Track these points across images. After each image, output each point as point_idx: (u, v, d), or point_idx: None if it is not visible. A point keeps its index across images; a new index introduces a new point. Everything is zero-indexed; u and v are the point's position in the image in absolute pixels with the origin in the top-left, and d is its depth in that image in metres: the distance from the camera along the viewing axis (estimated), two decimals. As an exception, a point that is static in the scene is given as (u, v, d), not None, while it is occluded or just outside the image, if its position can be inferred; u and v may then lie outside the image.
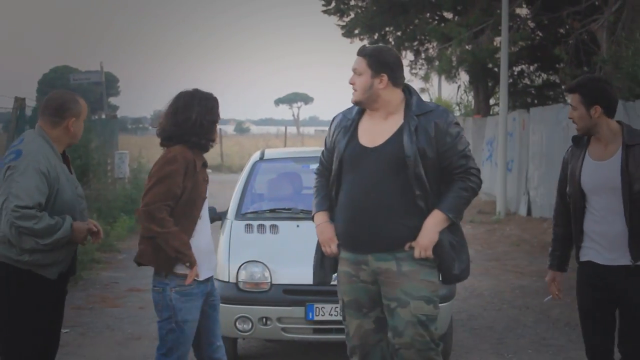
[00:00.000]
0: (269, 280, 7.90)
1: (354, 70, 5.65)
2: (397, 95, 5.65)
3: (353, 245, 5.72)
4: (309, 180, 10.20)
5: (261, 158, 9.78)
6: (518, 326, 9.79)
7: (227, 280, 8.00)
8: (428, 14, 26.09)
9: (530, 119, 20.90)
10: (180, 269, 5.70)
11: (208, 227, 6.00)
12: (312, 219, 6.14)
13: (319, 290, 7.66)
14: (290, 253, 8.20)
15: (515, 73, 25.59)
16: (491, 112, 26.99)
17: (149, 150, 29.68)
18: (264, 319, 7.84)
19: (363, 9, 26.13)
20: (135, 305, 11.01)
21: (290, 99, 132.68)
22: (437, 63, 26.07)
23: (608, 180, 5.65)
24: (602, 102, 5.68)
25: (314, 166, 9.70)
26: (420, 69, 27.24)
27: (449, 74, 25.58)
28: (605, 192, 5.67)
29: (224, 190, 29.16)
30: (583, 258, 5.77)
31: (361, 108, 5.76)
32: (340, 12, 26.35)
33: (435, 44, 25.99)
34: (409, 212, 5.53)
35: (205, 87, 5.94)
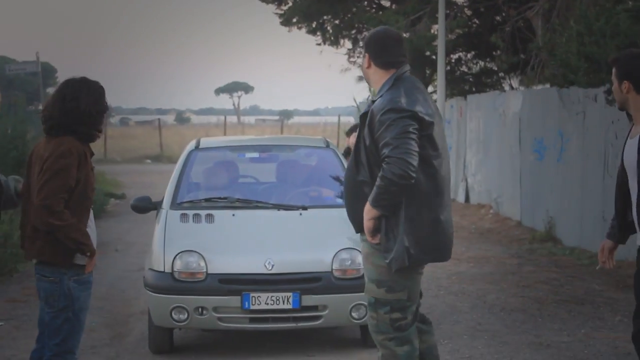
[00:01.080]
0: (205, 270, 7.88)
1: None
2: (380, 76, 5.70)
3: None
4: (245, 169, 10.19)
5: (197, 147, 9.64)
6: (454, 312, 9.84)
7: (162, 270, 7.96)
8: (366, 2, 26.07)
9: (467, 106, 21.03)
10: (79, 260, 5.72)
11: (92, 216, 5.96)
12: None
13: (255, 279, 7.86)
14: (226, 242, 8.22)
15: (453, 61, 25.65)
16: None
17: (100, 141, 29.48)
18: (200, 309, 7.80)
19: (301, -3, 26.05)
20: (71, 297, 10.88)
21: (230, 88, 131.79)
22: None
23: (632, 161, 5.56)
24: (632, 78, 5.59)
25: (250, 155, 9.92)
26: (358, 57, 27.21)
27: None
28: (632, 173, 5.58)
29: (163, 180, 29.15)
30: (638, 242, 5.66)
31: None
32: (278, 0, 26.25)
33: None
34: (356, 194, 5.69)
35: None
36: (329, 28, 26.16)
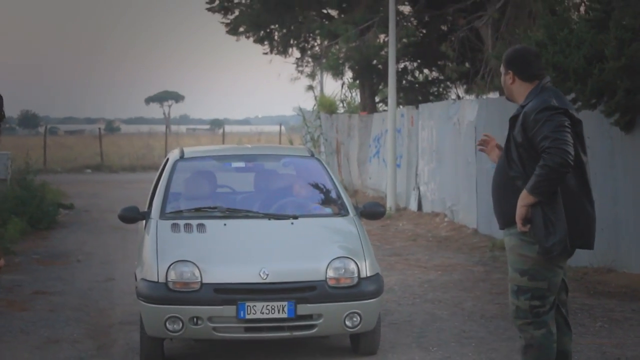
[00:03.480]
0: (199, 280, 7.90)
1: (500, 69, 6.52)
2: (525, 88, 6.29)
3: (498, 223, 6.42)
4: (231, 179, 10.25)
5: (181, 157, 9.65)
6: (435, 320, 9.90)
7: (155, 280, 7.95)
8: (314, 12, 26.18)
9: (419, 115, 21.15)
10: None
11: None
12: None
13: (251, 288, 7.90)
14: (219, 252, 8.23)
15: (399, 70, 25.88)
16: (377, 109, 27.22)
17: (36, 151, 29.20)
18: (195, 319, 7.80)
19: (248, 7, 26.07)
20: (45, 309, 10.78)
21: (161, 97, 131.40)
22: (323, 60, 26.21)
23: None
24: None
25: (236, 164, 9.92)
26: (306, 66, 27.36)
27: (336, 71, 25.75)
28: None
29: (107, 190, 28.95)
30: None
31: None
32: (224, 9, 26.23)
33: (321, 41, 26.11)
34: (508, 190, 6.17)
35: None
36: (276, 37, 26.22)
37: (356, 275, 8.08)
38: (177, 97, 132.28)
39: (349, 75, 27.31)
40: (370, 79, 26.14)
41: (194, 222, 8.58)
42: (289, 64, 30.24)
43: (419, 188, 21.05)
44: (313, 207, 9.29)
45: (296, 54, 27.20)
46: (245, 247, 8.34)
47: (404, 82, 25.79)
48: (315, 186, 9.52)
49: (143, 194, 26.07)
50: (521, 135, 6.07)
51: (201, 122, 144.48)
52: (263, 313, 7.81)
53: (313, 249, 8.37)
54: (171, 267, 7.94)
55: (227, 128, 53.45)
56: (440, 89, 26.18)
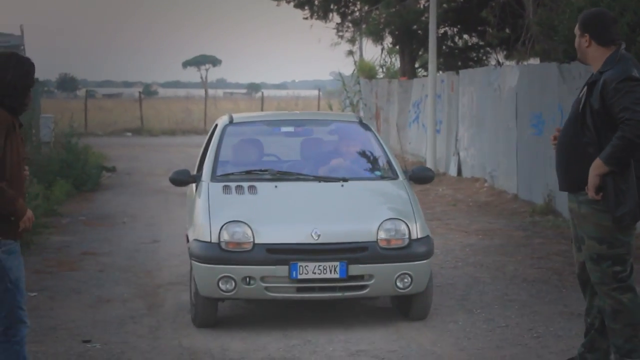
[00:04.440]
0: (252, 240, 7.99)
1: (575, 31, 6.43)
2: (602, 53, 6.23)
3: (559, 185, 6.49)
4: (282, 143, 10.41)
5: (230, 122, 9.78)
6: (478, 283, 10.05)
7: (208, 240, 8.07)
8: (355, -23, 26.21)
9: (459, 81, 21.20)
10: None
11: None
12: None
13: (303, 249, 7.99)
14: (271, 213, 8.31)
15: (439, 35, 25.86)
16: (416, 75, 27.25)
17: (76, 114, 29.50)
18: (247, 279, 7.91)
19: (288, -30, 26.10)
20: (94, 269, 11.03)
21: (198, 61, 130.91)
22: (364, 26, 26.25)
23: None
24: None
25: (286, 129, 10.09)
26: (346, 31, 27.40)
27: (376, 36, 25.78)
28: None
29: (147, 153, 29.19)
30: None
31: None
32: (265, -26, 26.30)
33: (362, 6, 26.13)
34: (578, 155, 6.19)
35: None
36: (317, 2, 26.25)
37: (407, 236, 8.17)
38: (215, 61, 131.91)
39: (388, 40, 27.34)
40: (410, 45, 26.13)
41: (245, 185, 8.71)
42: (329, 29, 30.24)
43: (458, 153, 21.13)
44: (362, 170, 9.40)
45: (336, 19, 27.22)
46: (296, 208, 8.42)
47: (443, 47, 25.74)
48: (364, 151, 9.59)
49: (183, 157, 26.62)
50: (599, 102, 6.05)
51: (238, 86, 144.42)
52: (315, 273, 7.91)
53: (364, 210, 8.43)
54: (224, 227, 8.05)
55: (264, 93, 53.42)
56: (480, 55, 26.13)
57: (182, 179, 9.16)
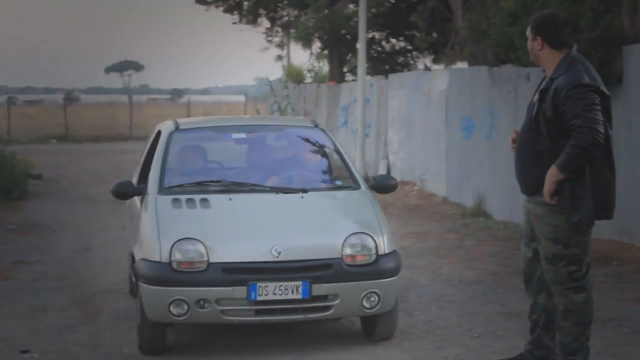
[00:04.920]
0: (206, 259, 7.34)
1: (527, 34, 6.49)
2: (554, 56, 6.30)
3: (520, 187, 6.58)
4: (233, 151, 9.65)
5: (176, 128, 9.03)
6: (415, 285, 10.09)
7: (158, 260, 7.39)
8: (283, -19, 26.22)
9: (389, 85, 21.30)
10: None
11: None
12: None
13: (262, 267, 7.37)
14: (226, 228, 7.67)
15: (368, 39, 25.98)
16: (345, 79, 27.33)
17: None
18: (202, 302, 7.26)
19: (217, -24, 26.04)
20: (27, 278, 10.87)
21: (120, 67, 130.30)
22: (293, 30, 26.27)
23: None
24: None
25: (237, 135, 9.33)
26: (275, 36, 27.40)
27: (305, 41, 25.81)
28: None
29: (72, 161, 28.83)
30: None
31: None
32: (193, -21, 26.17)
33: (291, 11, 26.14)
34: (535, 162, 6.28)
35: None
36: (245, 7, 26.21)
37: (374, 252, 7.59)
38: (137, 67, 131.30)
39: (317, 45, 27.41)
40: (339, 49, 26.22)
41: (197, 197, 7.99)
42: (259, 33, 30.26)
43: (387, 157, 21.23)
44: (322, 180, 8.77)
45: (266, 23, 27.24)
46: (254, 223, 7.74)
47: (372, 52, 25.88)
48: (323, 158, 9.05)
49: (111, 164, 26.43)
50: (551, 110, 6.10)
51: (161, 91, 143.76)
52: (276, 294, 7.28)
53: (327, 224, 7.86)
54: (175, 245, 7.37)
55: (189, 98, 53.13)
56: (408, 59, 26.31)
57: (126, 191, 8.49)
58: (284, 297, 7.32)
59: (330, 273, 7.42)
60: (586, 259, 6.36)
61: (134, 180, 9.34)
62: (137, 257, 7.73)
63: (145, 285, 7.41)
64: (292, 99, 29.07)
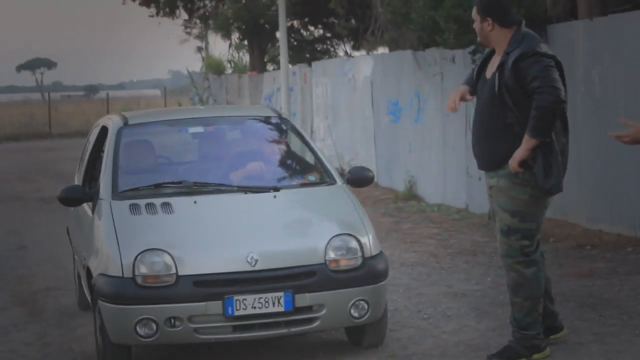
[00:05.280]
0: (175, 271, 6.53)
1: (473, 17, 6.63)
2: (505, 34, 6.43)
3: (478, 164, 6.72)
4: (191, 147, 8.71)
5: (125, 123, 8.01)
6: (357, 270, 10.12)
7: (120, 275, 6.54)
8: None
9: (312, 73, 21.34)
10: None
11: None
12: None
13: (238, 278, 6.60)
14: (195, 236, 6.85)
15: (287, 28, 25.99)
16: (266, 69, 27.32)
17: None
18: (172, 320, 6.46)
19: (131, -32, 25.82)
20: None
21: (32, 65, 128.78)
22: (210, 22, 26.18)
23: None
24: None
25: (194, 129, 8.37)
26: (194, 27, 27.28)
27: (225, 31, 25.74)
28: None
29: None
30: None
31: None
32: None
33: (209, 1, 26.03)
34: (504, 136, 6.39)
35: None
36: (161, -1, 26.04)
37: (360, 254, 6.86)
38: (50, 64, 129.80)
39: (237, 35, 27.32)
40: (258, 39, 26.21)
41: (157, 201, 7.11)
42: (177, 25, 30.02)
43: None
44: (293, 176, 7.91)
45: (184, 15, 27.07)
46: (225, 228, 6.95)
47: (291, 40, 25.89)
48: (291, 152, 8.22)
49: (34, 162, 26.07)
50: (513, 81, 6.28)
51: (75, 88, 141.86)
52: (255, 307, 6.53)
53: (306, 226, 7.14)
54: (139, 257, 6.55)
55: (104, 94, 52.61)
56: (328, 47, 26.38)
57: (76, 197, 7.59)
58: (264, 310, 6.58)
59: (314, 281, 6.67)
60: (537, 236, 6.52)
61: (77, 182, 8.78)
62: (95, 272, 6.86)
63: (107, 304, 6.58)
64: (213, 91, 28.97)
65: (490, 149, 6.51)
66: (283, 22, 21.07)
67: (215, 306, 6.50)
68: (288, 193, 7.44)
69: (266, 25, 25.68)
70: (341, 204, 7.36)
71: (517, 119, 6.33)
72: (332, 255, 6.79)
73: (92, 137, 8.80)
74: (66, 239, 9.50)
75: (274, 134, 8.44)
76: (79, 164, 9.20)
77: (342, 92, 19.41)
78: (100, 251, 6.93)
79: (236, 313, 6.52)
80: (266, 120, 8.49)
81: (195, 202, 7.16)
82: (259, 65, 26.83)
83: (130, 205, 7.08)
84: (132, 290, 6.51)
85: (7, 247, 12.77)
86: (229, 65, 30.26)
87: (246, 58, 29.11)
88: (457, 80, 14.09)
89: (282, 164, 8.11)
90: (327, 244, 6.80)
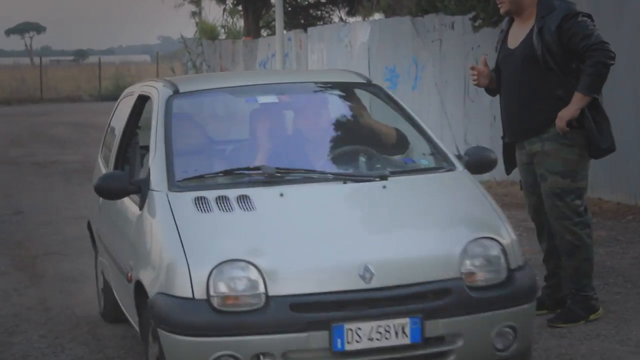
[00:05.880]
0: (263, 290, 4.79)
1: None
2: (533, 0, 6.47)
3: (513, 134, 6.67)
4: (263, 121, 6.34)
5: (175, 92, 6.14)
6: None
7: (190, 296, 4.81)
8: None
9: (308, 38, 21.23)
10: None
11: None
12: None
13: (350, 300, 4.82)
14: (287, 241, 5.01)
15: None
16: (261, 35, 27.20)
17: None
18: (261, 357, 4.75)
19: None
20: (-39, 243, 10.66)
21: (21, 29, 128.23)
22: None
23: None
24: None
25: (265, 99, 6.37)
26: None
27: (220, -5, 25.64)
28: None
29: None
30: None
31: (511, 17, 6.64)
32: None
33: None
34: (546, 100, 6.39)
35: None
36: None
37: (504, 265, 5.06)
38: (39, 28, 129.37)
39: (232, 0, 27.18)
40: (253, 4, 26.06)
41: (231, 194, 5.27)
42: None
43: (309, 111, 21.19)
44: (401, 160, 6.08)
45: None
46: (325, 230, 5.10)
47: (286, 6, 25.77)
48: (391, 128, 6.23)
49: (26, 127, 25.98)
50: (557, 44, 6.27)
51: (64, 53, 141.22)
52: (372, 339, 4.78)
53: (430, 227, 5.22)
54: (214, 272, 4.79)
55: (93, 59, 52.38)
56: (323, 13, 26.28)
57: (119, 188, 5.64)
58: (384, 343, 4.81)
59: (448, 302, 4.89)
60: (585, 196, 6.59)
61: (102, 165, 7.24)
62: (151, 289, 5.08)
63: (171, 335, 4.83)
64: (207, 56, 28.82)
65: (532, 116, 6.49)
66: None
67: (319, 338, 4.76)
68: (399, 182, 5.54)
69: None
70: (469, 196, 5.54)
71: (561, 82, 6.33)
72: (469, 266, 5.01)
73: (125, 109, 7.08)
74: (64, 203, 9.39)
75: (368, 105, 6.63)
76: (102, 144, 7.77)
77: (338, 58, 19.30)
78: (158, 262, 5.10)
79: (347, 347, 4.77)
80: (354, 87, 6.62)
81: (281, 194, 5.29)
82: (253, 30, 26.70)
83: (195, 199, 5.25)
84: (206, 317, 4.77)
85: (4, 212, 12.67)
86: (222, 30, 30.12)
87: (240, 23, 28.98)
88: (456, 47, 14.11)
89: (385, 143, 6.15)
90: (463, 251, 5.01)
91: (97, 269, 7.57)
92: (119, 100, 7.62)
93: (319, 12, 26.36)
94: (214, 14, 47.87)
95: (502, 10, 6.58)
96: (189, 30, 42.27)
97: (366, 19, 21.40)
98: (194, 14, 28.92)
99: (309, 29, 21.53)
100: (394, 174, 5.62)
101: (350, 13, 24.86)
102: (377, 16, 21.52)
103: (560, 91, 6.34)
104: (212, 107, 6.72)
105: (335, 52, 19.46)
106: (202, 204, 5.22)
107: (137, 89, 7.01)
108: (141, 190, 5.54)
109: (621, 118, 9.64)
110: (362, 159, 5.96)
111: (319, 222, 5.16)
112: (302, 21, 25.58)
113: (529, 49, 6.40)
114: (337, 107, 6.55)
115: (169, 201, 5.29)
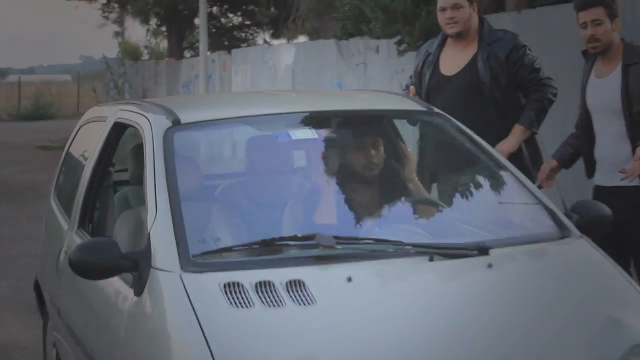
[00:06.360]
0: None
1: (455, 5, 5.98)
2: (476, 22, 6.09)
3: None
4: (295, 163, 4.94)
5: (175, 122, 4.25)
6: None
7: None
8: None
9: (232, 60, 21.12)
10: None
11: None
12: None
13: None
14: (366, 353, 3.30)
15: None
16: (184, 56, 27.04)
17: None
18: None
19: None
20: None
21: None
22: (128, 7, 25.83)
23: (603, 100, 5.68)
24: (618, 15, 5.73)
25: (300, 133, 4.63)
26: (112, 12, 26.86)
27: (143, 17, 25.41)
28: (604, 113, 5.71)
29: None
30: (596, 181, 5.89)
31: (442, 40, 6.14)
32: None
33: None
34: (486, 132, 5.09)
35: None
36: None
37: None
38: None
39: (155, 21, 27.01)
40: (177, 25, 25.91)
41: (277, 277, 3.54)
42: (95, 9, 29.46)
43: (233, 133, 21.06)
44: (499, 223, 4.38)
45: (102, -1, 26.70)
46: (423, 335, 3.42)
47: (210, 27, 25.68)
48: (478, 176, 4.66)
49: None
50: (505, 73, 5.94)
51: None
52: None
53: (574, 332, 3.55)
54: None
55: (13, 78, 51.59)
56: (247, 35, 26.22)
57: (107, 263, 3.72)
58: None
59: None
60: None
61: (61, 215, 5.42)
62: None
63: None
64: (129, 77, 28.57)
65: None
66: (203, 8, 20.81)
67: None
68: (506, 257, 3.89)
69: (185, 12, 25.38)
70: (606, 276, 3.92)
71: (501, 114, 5.96)
72: None
73: (91, 138, 5.27)
74: None
75: (437, 144, 5.14)
76: (56, 182, 6.00)
77: (262, 80, 19.21)
78: None
79: None
80: (416, 118, 4.99)
81: (349, 279, 3.57)
82: (176, 51, 26.54)
83: (225, 287, 3.49)
84: None
85: None
86: (145, 51, 29.89)
87: (164, 44, 28.76)
88: (381, 71, 14.06)
89: (472, 198, 4.56)
90: None
91: (45, 342, 5.74)
92: (79, 125, 5.87)
93: (243, 34, 26.30)
94: (137, 35, 48.33)
95: (452, 31, 5.98)
96: (112, 51, 41.84)
97: (291, 41, 21.31)
98: (117, 33, 28.66)
99: (233, 51, 21.41)
100: (497, 243, 3.91)
101: (275, 35, 24.81)
102: (302, 39, 21.47)
103: (500, 123, 5.96)
104: (228, 144, 5.19)
105: (259, 74, 19.37)
106: (236, 293, 3.46)
107: (109, 113, 5.08)
108: (139, 267, 3.69)
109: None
110: (448, 222, 4.39)
111: (409, 322, 3.46)
112: (226, 43, 25.49)
113: (473, 77, 6.01)
114: (399, 143, 5.01)
115: (184, 287, 3.50)
